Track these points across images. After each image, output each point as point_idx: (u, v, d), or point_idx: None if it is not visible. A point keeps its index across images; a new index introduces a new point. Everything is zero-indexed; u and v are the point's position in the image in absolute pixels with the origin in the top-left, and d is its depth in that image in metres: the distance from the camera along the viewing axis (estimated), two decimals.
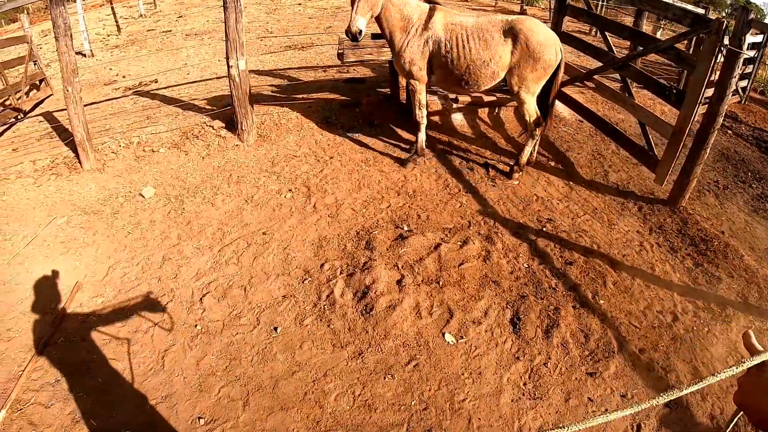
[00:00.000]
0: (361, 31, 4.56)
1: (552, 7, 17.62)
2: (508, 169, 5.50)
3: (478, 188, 5.18)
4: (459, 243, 4.35)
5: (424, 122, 5.34)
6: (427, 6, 4.95)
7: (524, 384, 3.36)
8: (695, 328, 3.79)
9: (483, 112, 6.52)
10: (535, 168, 5.57)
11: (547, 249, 4.43)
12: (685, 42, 6.59)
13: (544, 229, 4.67)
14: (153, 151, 5.88)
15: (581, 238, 4.59)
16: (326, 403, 3.34)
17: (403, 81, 6.07)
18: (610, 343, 3.59)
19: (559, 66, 5.00)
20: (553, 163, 5.76)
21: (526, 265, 4.23)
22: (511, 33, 4.87)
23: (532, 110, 5.15)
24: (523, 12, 19.64)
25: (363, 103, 6.22)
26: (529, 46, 4.80)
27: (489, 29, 4.92)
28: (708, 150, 4.91)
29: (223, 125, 6.03)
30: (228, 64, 5.54)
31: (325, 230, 4.55)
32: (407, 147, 5.77)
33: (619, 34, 5.56)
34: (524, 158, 5.40)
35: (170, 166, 5.63)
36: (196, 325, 3.94)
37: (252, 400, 3.41)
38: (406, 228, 4.52)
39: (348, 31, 4.58)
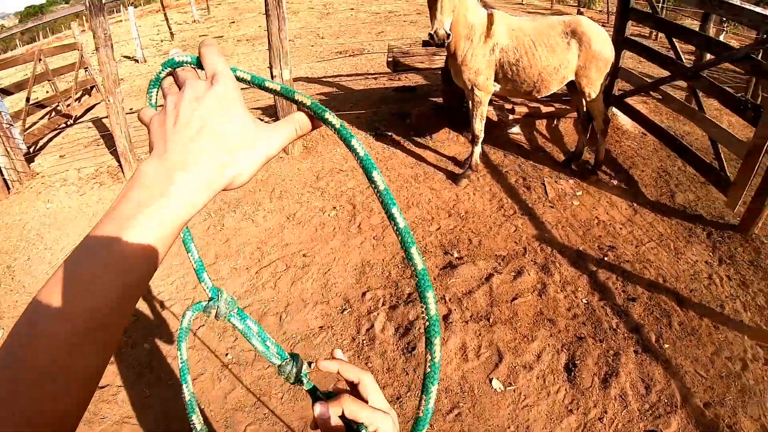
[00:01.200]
0: (448, 34, 4.13)
1: (609, 10, 16.82)
2: (570, 186, 4.99)
3: (535, 210, 4.69)
4: (513, 274, 3.90)
5: (482, 136, 4.95)
6: (485, 12, 4.57)
7: None
8: (766, 378, 3.20)
9: (541, 124, 5.99)
10: (596, 188, 5.04)
11: (608, 282, 3.93)
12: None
13: (606, 258, 4.16)
14: None
15: (646, 269, 4.07)
16: None
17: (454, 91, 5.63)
18: (674, 395, 3.07)
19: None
20: (615, 182, 5.19)
21: (585, 301, 3.75)
22: (573, 35, 4.61)
23: (602, 107, 4.99)
24: (579, 14, 18.56)
25: (413, 114, 5.78)
26: (592, 46, 4.59)
27: (551, 34, 4.62)
28: None
29: None
30: (271, 74, 5.22)
31: (369, 254, 4.17)
32: (460, 161, 5.33)
33: (688, 40, 4.94)
34: (602, 155, 5.22)
35: None
36: (227, 354, 3.65)
37: None
38: (455, 255, 4.09)
39: (434, 36, 4.12)
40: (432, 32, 4.10)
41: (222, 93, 0.54)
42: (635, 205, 4.87)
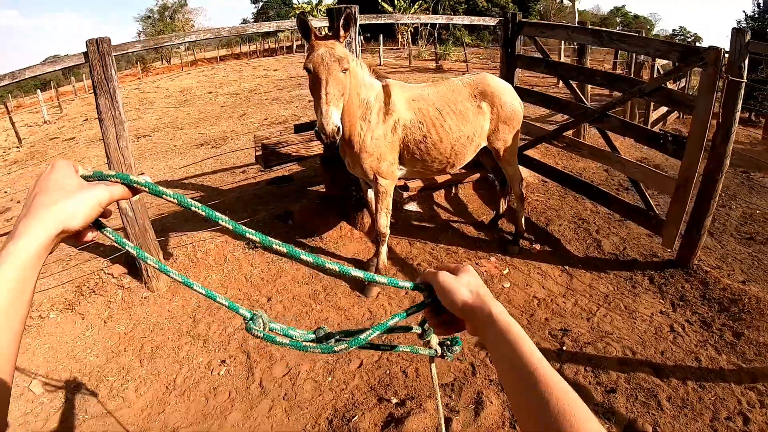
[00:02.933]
0: (339, 128, 2.89)
1: (467, 59, 16.88)
2: (494, 265, 4.09)
3: None
4: (472, 407, 2.85)
5: (388, 233, 3.87)
6: (379, 84, 3.55)
7: None
8: None
9: (439, 195, 5.09)
10: (522, 259, 4.20)
11: (578, 377, 3.05)
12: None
13: (564, 347, 3.29)
14: (42, 318, 4.06)
15: (609, 346, 3.26)
16: None
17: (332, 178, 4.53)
18: None
19: None
20: (538, 246, 4.40)
21: None
22: (483, 97, 3.79)
23: (518, 170, 4.24)
24: (439, 67, 18.49)
25: (296, 212, 4.62)
26: (504, 107, 3.82)
27: (458, 99, 3.74)
28: (717, 198, 3.78)
29: (125, 271, 4.25)
30: None
31: (284, 424, 2.92)
32: (363, 262, 4.24)
33: (589, 81, 4.32)
34: (522, 224, 4.46)
35: (64, 339, 3.85)
36: None
37: None
38: (394, 400, 2.95)
39: (321, 132, 2.86)
40: (317, 129, 2.91)
41: (52, 170, 0.72)
42: (567, 268, 4.11)
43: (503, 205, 4.65)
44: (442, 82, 3.93)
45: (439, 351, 1.03)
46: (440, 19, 4.57)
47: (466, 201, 5.07)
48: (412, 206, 4.85)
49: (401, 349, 1.05)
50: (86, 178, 0.74)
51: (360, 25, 4.01)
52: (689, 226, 3.88)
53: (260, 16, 60.35)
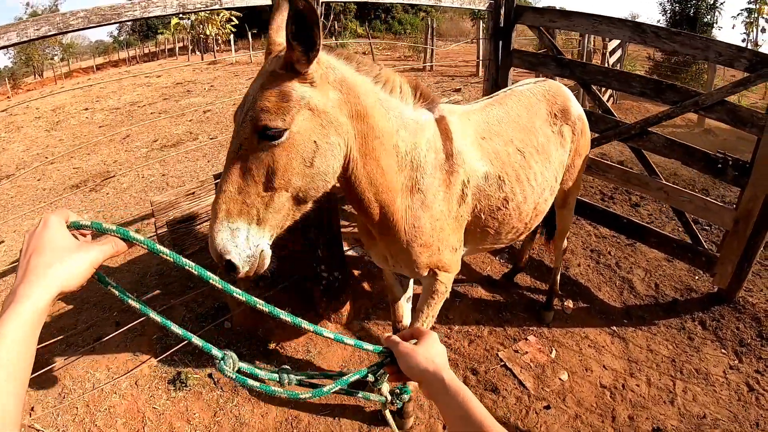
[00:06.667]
0: (265, 258, 1.21)
1: (372, 51, 14.95)
2: (537, 349, 2.73)
3: (533, 427, 2.27)
4: None
5: None
6: (431, 117, 1.69)
7: None
8: None
9: None
10: (561, 328, 2.90)
11: None
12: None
13: None
14: None
15: None
16: None
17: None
18: None
19: None
20: (571, 304, 3.10)
21: None
22: (564, 119, 2.20)
23: (571, 220, 2.90)
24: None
25: (234, 310, 2.79)
26: (584, 131, 2.38)
27: (536, 124, 2.10)
28: None
29: None
30: None
31: None
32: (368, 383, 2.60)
33: (624, 88, 2.97)
34: (557, 284, 3.01)
35: None
36: None
37: None
38: None
39: (228, 267, 1.16)
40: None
41: (45, 228, 0.67)
42: (615, 329, 2.95)
43: (525, 257, 3.22)
44: (508, 95, 2.18)
45: (389, 398, 1.04)
46: (427, 0, 2.98)
47: (468, 260, 3.56)
48: None
49: (358, 395, 0.99)
50: (81, 227, 0.72)
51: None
52: (740, 260, 2.86)
53: (135, 21, 53.55)
